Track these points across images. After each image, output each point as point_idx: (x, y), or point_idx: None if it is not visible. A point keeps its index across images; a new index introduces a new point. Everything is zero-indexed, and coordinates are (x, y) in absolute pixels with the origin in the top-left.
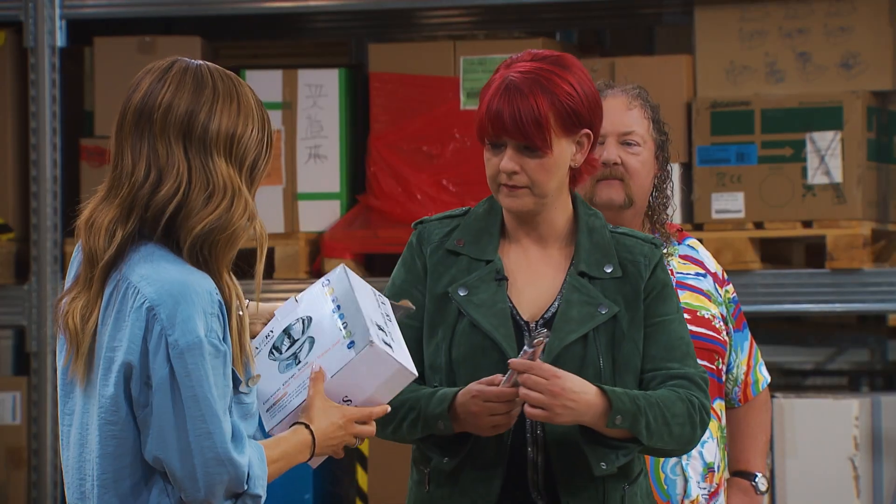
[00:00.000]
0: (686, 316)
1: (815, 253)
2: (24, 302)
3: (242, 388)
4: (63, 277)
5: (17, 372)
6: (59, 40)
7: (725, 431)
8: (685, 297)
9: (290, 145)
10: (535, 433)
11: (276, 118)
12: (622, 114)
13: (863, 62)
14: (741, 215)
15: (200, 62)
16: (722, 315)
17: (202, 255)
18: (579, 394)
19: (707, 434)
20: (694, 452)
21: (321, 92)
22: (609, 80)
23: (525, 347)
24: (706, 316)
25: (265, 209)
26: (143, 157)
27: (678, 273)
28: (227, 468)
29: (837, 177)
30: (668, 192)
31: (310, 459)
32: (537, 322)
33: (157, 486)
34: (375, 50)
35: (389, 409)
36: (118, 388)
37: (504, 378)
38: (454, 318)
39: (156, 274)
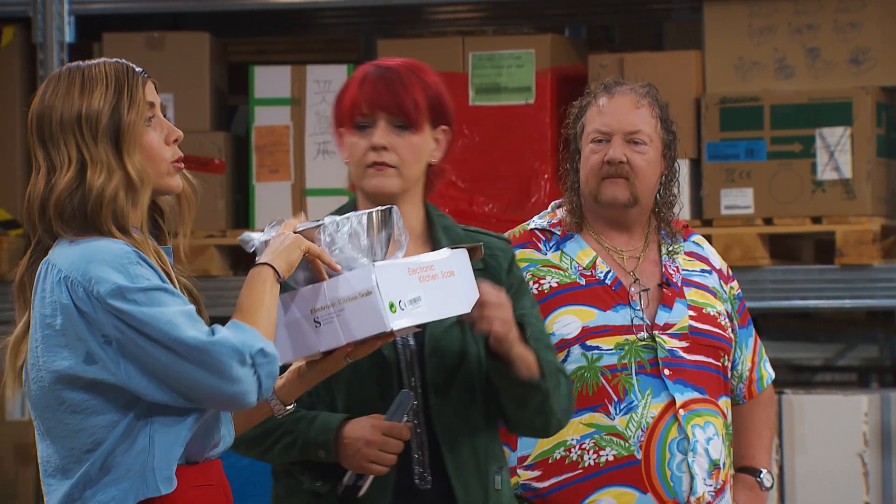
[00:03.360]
0: (692, 313)
1: (824, 249)
2: None
3: None
4: None
5: None
6: (68, 36)
7: (731, 428)
8: (691, 294)
9: (298, 141)
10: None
11: (284, 114)
12: (629, 112)
13: (872, 58)
14: (750, 211)
15: (75, 64)
16: (727, 312)
17: (92, 225)
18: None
19: (712, 431)
20: (700, 449)
21: (330, 88)
22: (618, 76)
23: (393, 409)
24: (711, 313)
25: (274, 205)
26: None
27: (684, 270)
28: (215, 350)
29: (847, 172)
30: (675, 191)
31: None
32: None
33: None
34: (384, 46)
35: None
36: (74, 359)
37: (391, 410)
38: None
39: (63, 252)
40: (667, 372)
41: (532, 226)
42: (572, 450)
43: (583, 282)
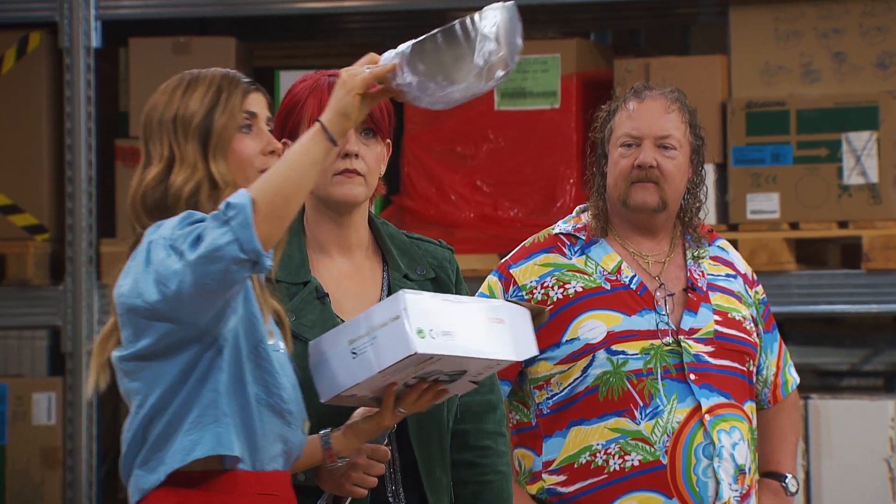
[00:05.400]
0: (717, 318)
1: (850, 253)
2: (60, 302)
3: (269, 340)
4: (99, 277)
5: (52, 372)
6: (94, 41)
7: (756, 433)
8: (716, 299)
9: None
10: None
11: None
12: (660, 117)
13: None
14: (776, 216)
15: (190, 70)
16: (752, 317)
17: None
18: None
19: (738, 436)
20: (725, 454)
21: None
22: (644, 80)
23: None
24: (737, 318)
25: None
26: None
27: (709, 275)
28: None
29: (873, 177)
30: (702, 196)
31: (326, 140)
32: None
33: None
34: None
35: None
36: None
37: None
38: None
39: (153, 231)
40: (692, 377)
41: (557, 230)
42: (598, 454)
43: (608, 286)
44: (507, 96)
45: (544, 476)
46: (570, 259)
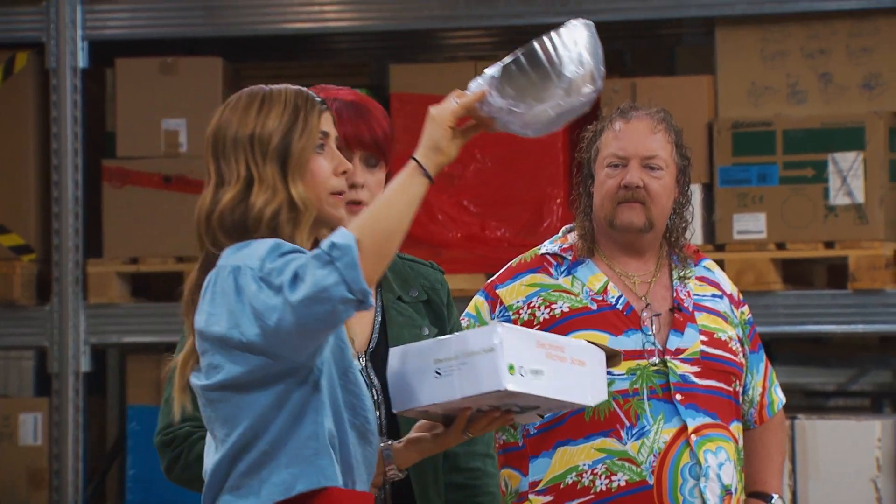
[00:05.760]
0: (703, 338)
1: (837, 274)
2: (46, 323)
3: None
4: (85, 298)
5: (39, 393)
6: (81, 61)
7: (742, 453)
8: (702, 319)
9: None
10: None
11: None
12: (646, 137)
13: (885, 83)
14: (763, 236)
15: (258, 87)
16: (738, 337)
17: (251, 238)
18: None
19: (724, 456)
20: (712, 475)
21: None
22: (630, 100)
23: None
24: (723, 338)
25: None
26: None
27: (695, 295)
28: (303, 270)
29: (859, 197)
30: (688, 216)
31: (423, 177)
32: (367, 351)
33: None
34: (396, 71)
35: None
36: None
37: None
38: None
39: (231, 254)
40: (679, 397)
41: (543, 251)
42: (584, 475)
43: (594, 307)
44: None
45: (531, 496)
46: (557, 279)
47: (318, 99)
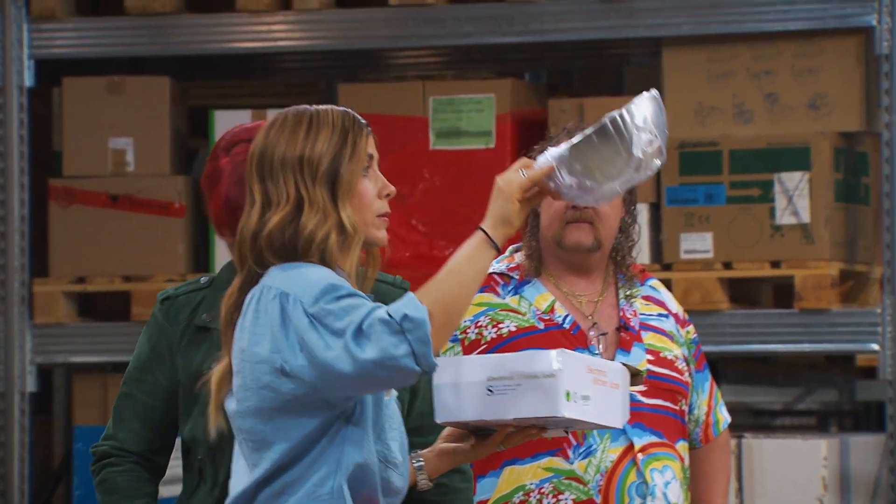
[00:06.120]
0: (649, 357)
1: (783, 293)
2: None
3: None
4: (31, 317)
5: None
6: (28, 80)
7: (688, 472)
8: (648, 338)
9: None
10: None
11: None
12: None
13: (830, 103)
14: (710, 255)
15: (303, 107)
16: (684, 356)
17: (301, 260)
18: None
19: (671, 475)
20: (658, 493)
21: None
22: (578, 120)
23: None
24: (669, 357)
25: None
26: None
27: (641, 314)
28: (371, 329)
29: (805, 217)
30: (634, 236)
31: (491, 248)
32: None
33: None
34: (345, 90)
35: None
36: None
37: None
38: (209, 396)
39: (277, 275)
40: None
41: (490, 270)
42: (531, 494)
43: (541, 326)
44: (443, 136)
45: None
46: (504, 298)
47: (363, 121)
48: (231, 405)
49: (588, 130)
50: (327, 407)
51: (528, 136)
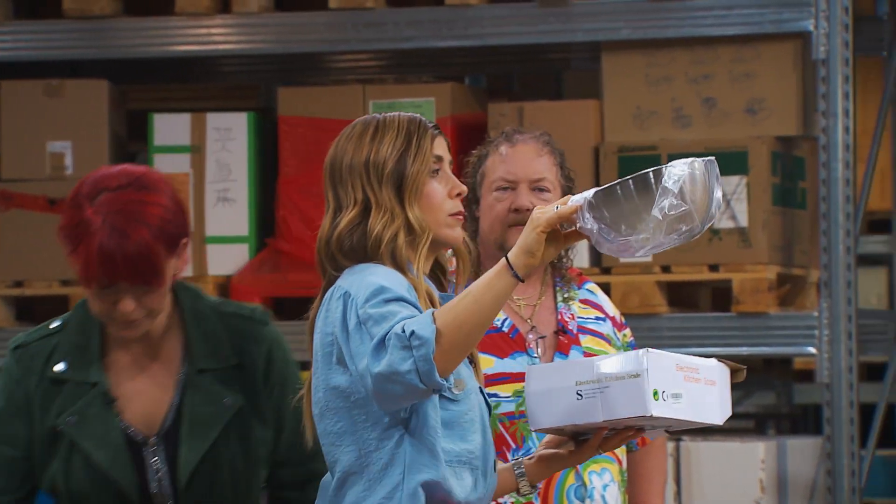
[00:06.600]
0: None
1: (721, 297)
2: None
3: (450, 391)
4: None
5: None
6: None
7: (626, 475)
8: (586, 342)
9: (198, 189)
10: None
11: (183, 162)
12: (533, 160)
13: (767, 108)
14: (648, 259)
15: (372, 115)
16: None
17: (371, 260)
18: None
19: (608, 477)
20: (597, 496)
21: (230, 136)
22: (517, 125)
23: None
24: None
25: None
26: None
27: (579, 318)
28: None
29: (743, 221)
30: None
31: (511, 276)
32: (158, 434)
33: None
34: (285, 94)
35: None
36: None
37: None
38: (67, 451)
39: (347, 276)
40: None
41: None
42: None
43: None
44: None
45: None
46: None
47: (430, 124)
48: (312, 407)
49: (625, 178)
50: (384, 412)
51: (468, 139)
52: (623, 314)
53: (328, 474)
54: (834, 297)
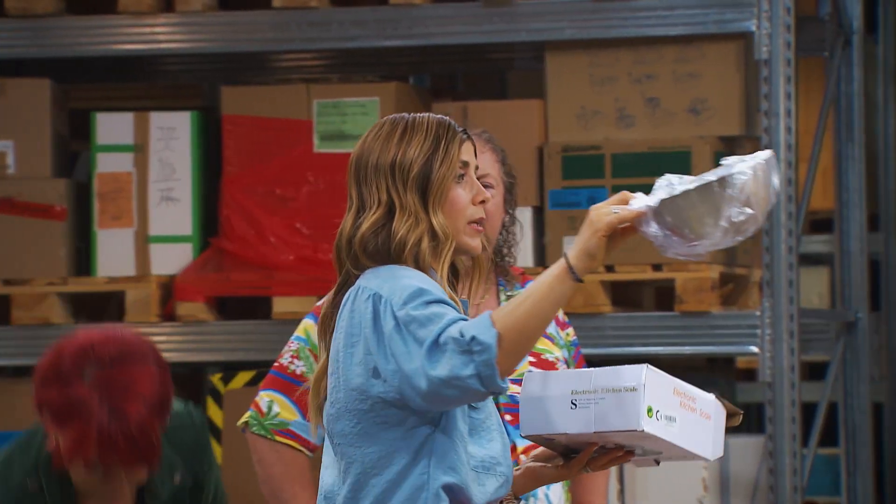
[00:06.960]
0: (531, 359)
1: (665, 296)
2: None
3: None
4: None
5: None
6: None
7: None
8: None
9: (141, 188)
10: None
11: (127, 161)
12: (477, 157)
13: (711, 108)
14: None
15: (401, 115)
16: (564, 358)
17: (394, 262)
18: None
19: None
20: (540, 494)
21: (173, 135)
22: (461, 124)
23: None
24: (550, 359)
25: (115, 252)
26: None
27: None
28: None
29: None
30: (515, 236)
31: (572, 279)
32: None
33: None
34: (228, 93)
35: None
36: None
37: None
38: None
39: (372, 276)
40: (508, 417)
41: None
42: None
43: None
44: (327, 139)
45: None
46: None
47: (458, 128)
48: (326, 408)
49: (688, 187)
50: (411, 412)
51: None
52: (567, 313)
53: (330, 483)
54: (776, 297)
